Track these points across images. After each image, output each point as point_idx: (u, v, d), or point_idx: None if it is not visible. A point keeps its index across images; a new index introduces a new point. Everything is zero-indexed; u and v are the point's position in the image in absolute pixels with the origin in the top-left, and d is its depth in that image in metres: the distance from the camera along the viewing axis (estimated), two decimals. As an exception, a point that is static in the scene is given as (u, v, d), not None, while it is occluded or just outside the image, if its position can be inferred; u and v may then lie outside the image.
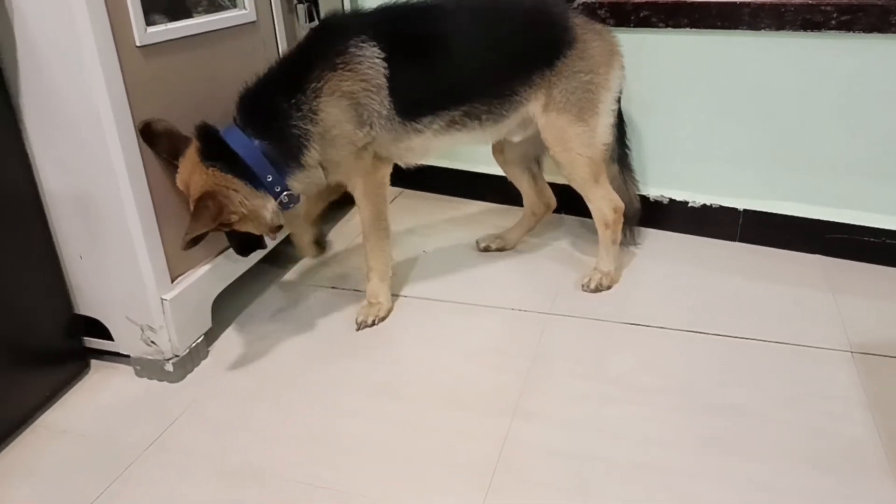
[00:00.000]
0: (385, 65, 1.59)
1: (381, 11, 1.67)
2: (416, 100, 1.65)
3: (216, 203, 1.46)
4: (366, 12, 1.68)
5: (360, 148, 1.64)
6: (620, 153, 1.96)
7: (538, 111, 1.76)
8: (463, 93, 1.70)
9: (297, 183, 1.60)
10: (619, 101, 1.84)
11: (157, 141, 1.48)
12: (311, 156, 1.58)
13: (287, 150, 1.55)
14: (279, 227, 1.65)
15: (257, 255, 1.80)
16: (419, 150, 1.75)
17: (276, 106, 1.54)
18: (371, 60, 1.58)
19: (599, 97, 1.76)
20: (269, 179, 1.54)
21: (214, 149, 1.50)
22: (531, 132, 1.84)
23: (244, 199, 1.52)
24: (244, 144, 1.52)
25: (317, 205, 2.02)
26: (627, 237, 2.06)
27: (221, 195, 1.48)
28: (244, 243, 1.65)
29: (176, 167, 1.51)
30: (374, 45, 1.58)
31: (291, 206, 1.63)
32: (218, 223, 1.48)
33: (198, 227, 1.44)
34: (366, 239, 1.79)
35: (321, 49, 1.59)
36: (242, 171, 1.52)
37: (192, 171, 1.49)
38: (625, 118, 1.94)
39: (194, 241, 1.45)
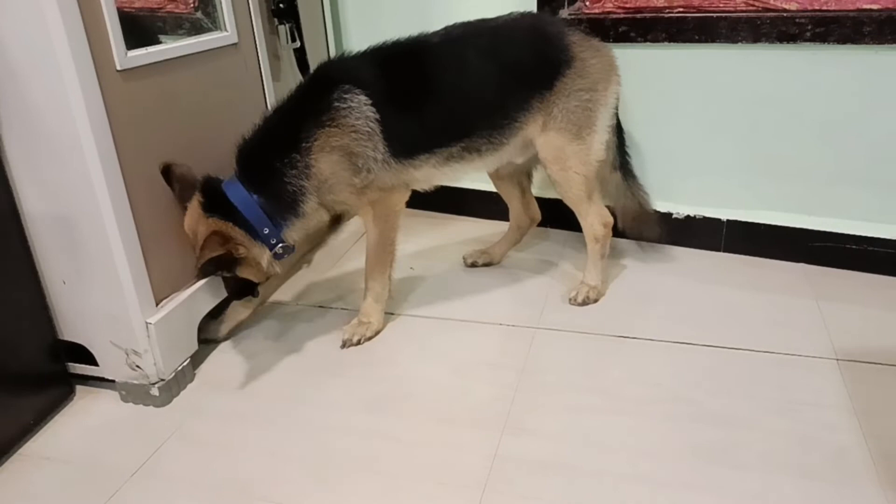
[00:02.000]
0: (374, 110, 1.59)
1: (367, 55, 1.66)
2: (411, 141, 1.65)
3: (223, 235, 1.53)
4: (352, 57, 1.67)
5: (361, 188, 1.65)
6: (622, 161, 1.98)
7: (537, 132, 1.77)
8: (458, 130, 1.70)
9: (295, 233, 1.64)
10: (616, 113, 1.87)
11: (173, 184, 1.56)
12: (310, 206, 1.61)
13: (284, 204, 1.59)
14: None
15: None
16: (423, 180, 1.75)
17: (270, 164, 1.58)
18: (359, 110, 1.58)
19: (598, 114, 1.77)
20: (266, 232, 1.58)
21: (215, 202, 1.55)
22: (532, 152, 1.84)
23: (244, 244, 1.57)
24: (243, 199, 1.56)
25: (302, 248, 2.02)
26: (658, 237, 2.10)
27: (227, 232, 1.55)
28: (239, 288, 1.70)
29: (185, 210, 1.58)
30: (361, 93, 1.58)
31: (286, 256, 1.66)
32: (226, 250, 1.53)
33: (206, 253, 1.50)
34: (368, 260, 1.79)
35: (309, 105, 1.60)
36: (241, 223, 1.56)
37: (197, 222, 1.55)
38: (623, 126, 1.96)
39: (205, 270, 1.54)
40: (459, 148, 1.71)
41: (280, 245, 1.61)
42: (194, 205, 1.56)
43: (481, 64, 1.70)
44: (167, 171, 1.54)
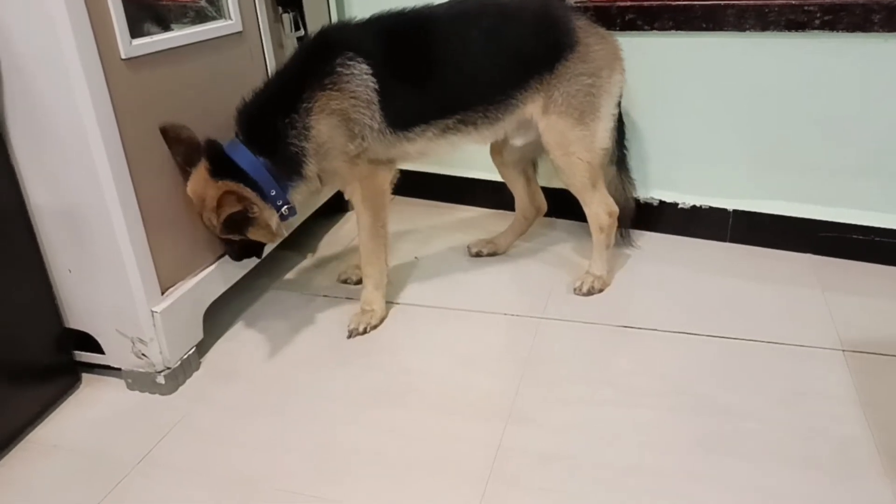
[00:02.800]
0: (374, 80, 1.60)
1: (370, 24, 1.67)
2: (408, 112, 1.67)
3: (239, 195, 1.54)
4: (355, 25, 1.68)
5: (353, 156, 1.66)
6: (619, 155, 1.97)
7: (538, 113, 1.76)
8: (456, 102, 1.70)
9: (299, 195, 1.66)
10: (619, 104, 1.86)
11: (176, 147, 1.55)
12: (311, 168, 1.63)
13: (288, 166, 1.61)
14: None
15: (250, 263, 1.80)
16: (414, 155, 1.76)
17: (272, 125, 1.58)
18: (360, 77, 1.60)
19: (601, 101, 1.77)
20: (273, 194, 1.60)
21: (223, 167, 1.56)
22: (533, 136, 1.84)
23: (257, 203, 1.58)
24: (250, 161, 1.57)
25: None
26: (623, 238, 2.09)
27: (240, 192, 1.55)
28: (243, 250, 1.71)
29: (188, 173, 1.57)
30: (363, 62, 1.60)
31: (290, 217, 1.67)
32: (243, 206, 1.54)
33: (226, 209, 1.51)
34: (362, 246, 1.79)
35: (311, 67, 1.61)
36: (250, 186, 1.58)
37: (205, 187, 1.55)
38: (625, 120, 1.95)
39: (227, 226, 1.55)
40: (455, 120, 1.72)
41: (286, 206, 1.63)
42: (201, 170, 1.56)
43: (483, 40, 1.70)
44: (167, 133, 1.53)
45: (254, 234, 1.63)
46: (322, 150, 1.62)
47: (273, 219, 1.62)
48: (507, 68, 1.72)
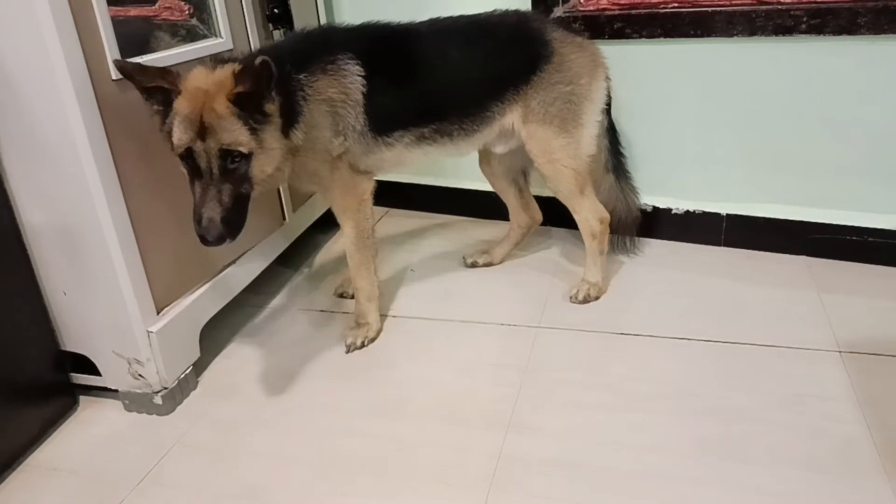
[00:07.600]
0: (363, 82, 1.62)
1: (364, 30, 1.70)
2: (388, 117, 1.69)
3: (257, 76, 1.35)
4: (351, 29, 1.71)
5: (334, 157, 1.66)
6: (615, 163, 1.98)
7: (518, 122, 1.78)
8: (431, 112, 1.73)
9: (296, 135, 1.54)
10: (608, 111, 1.87)
11: (149, 76, 1.37)
12: (302, 123, 1.54)
13: (290, 105, 1.51)
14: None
15: (246, 278, 1.80)
16: (391, 162, 1.77)
17: (285, 72, 1.49)
18: (353, 76, 1.62)
19: (582, 108, 1.78)
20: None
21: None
22: (515, 144, 1.85)
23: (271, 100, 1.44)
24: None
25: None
26: (629, 245, 2.12)
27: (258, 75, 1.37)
28: (232, 202, 1.41)
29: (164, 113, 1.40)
30: (357, 63, 1.62)
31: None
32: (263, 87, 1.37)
33: (246, 82, 1.35)
34: (350, 258, 1.79)
35: (317, 50, 1.63)
36: None
37: (208, 78, 1.38)
38: (616, 127, 1.96)
39: (237, 111, 1.37)
40: (431, 129, 1.74)
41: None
42: (197, 73, 1.40)
43: (459, 53, 1.74)
44: (125, 68, 1.36)
45: (261, 147, 1.42)
46: (310, 137, 1.57)
47: (280, 139, 1.47)
48: (481, 81, 1.75)
